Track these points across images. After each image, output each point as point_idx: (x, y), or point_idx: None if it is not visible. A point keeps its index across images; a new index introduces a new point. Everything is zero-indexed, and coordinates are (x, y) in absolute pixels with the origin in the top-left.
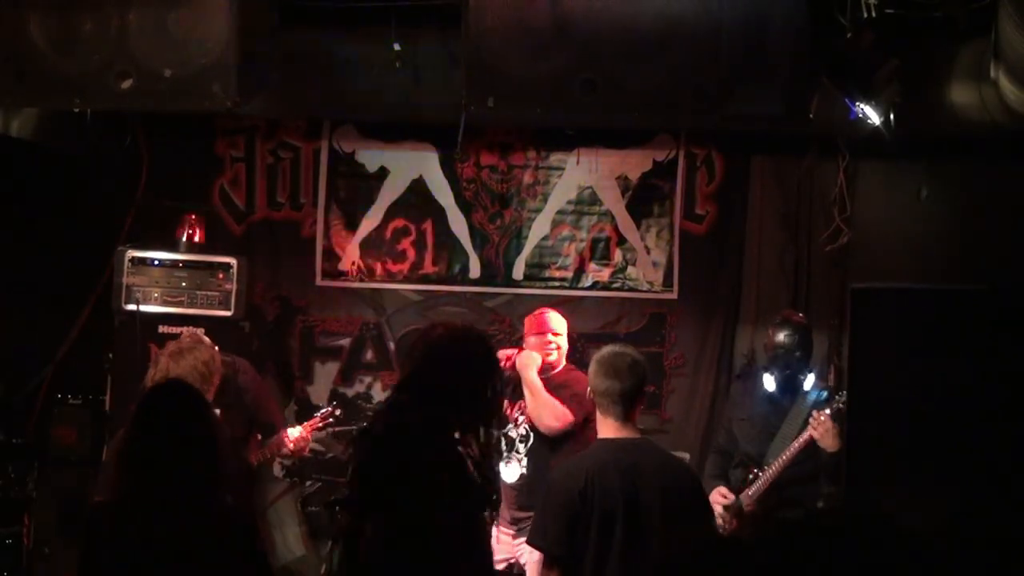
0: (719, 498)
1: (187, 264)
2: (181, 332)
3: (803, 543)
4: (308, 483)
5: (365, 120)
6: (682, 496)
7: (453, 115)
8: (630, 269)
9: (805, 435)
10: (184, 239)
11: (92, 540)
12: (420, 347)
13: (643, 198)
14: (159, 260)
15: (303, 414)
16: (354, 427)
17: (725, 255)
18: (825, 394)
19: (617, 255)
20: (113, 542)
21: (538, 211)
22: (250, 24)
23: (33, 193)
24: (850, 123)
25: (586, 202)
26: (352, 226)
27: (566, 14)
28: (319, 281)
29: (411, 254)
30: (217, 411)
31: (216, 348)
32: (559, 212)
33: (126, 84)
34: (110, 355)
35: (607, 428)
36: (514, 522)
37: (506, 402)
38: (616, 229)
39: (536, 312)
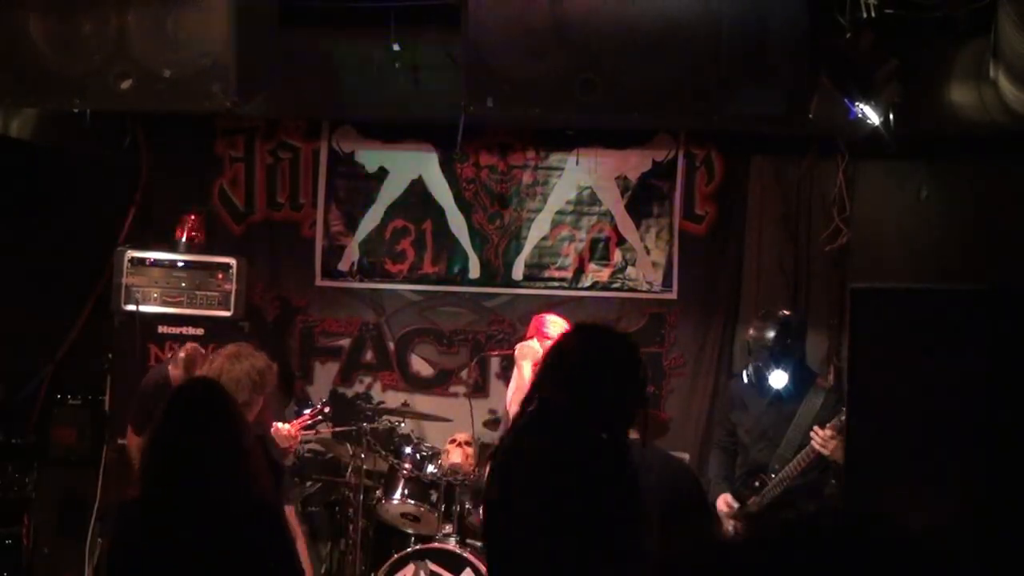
0: (724, 507)
1: (187, 264)
2: (180, 333)
3: (803, 544)
4: (308, 483)
5: (365, 120)
6: (682, 496)
7: (452, 115)
8: (629, 269)
9: (810, 451)
10: (184, 239)
11: (122, 536)
12: (566, 357)
13: (642, 198)
14: (159, 260)
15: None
16: (354, 427)
17: (725, 255)
18: (792, 388)
19: (616, 255)
20: (143, 538)
21: (537, 211)
22: (250, 24)
23: (33, 193)
24: (850, 123)
25: (585, 202)
26: (352, 226)
27: (566, 14)
28: (319, 281)
29: (411, 254)
30: None
31: (275, 365)
32: (558, 212)
33: (126, 84)
34: (110, 355)
35: None
36: None
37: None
38: (615, 229)
39: (536, 315)
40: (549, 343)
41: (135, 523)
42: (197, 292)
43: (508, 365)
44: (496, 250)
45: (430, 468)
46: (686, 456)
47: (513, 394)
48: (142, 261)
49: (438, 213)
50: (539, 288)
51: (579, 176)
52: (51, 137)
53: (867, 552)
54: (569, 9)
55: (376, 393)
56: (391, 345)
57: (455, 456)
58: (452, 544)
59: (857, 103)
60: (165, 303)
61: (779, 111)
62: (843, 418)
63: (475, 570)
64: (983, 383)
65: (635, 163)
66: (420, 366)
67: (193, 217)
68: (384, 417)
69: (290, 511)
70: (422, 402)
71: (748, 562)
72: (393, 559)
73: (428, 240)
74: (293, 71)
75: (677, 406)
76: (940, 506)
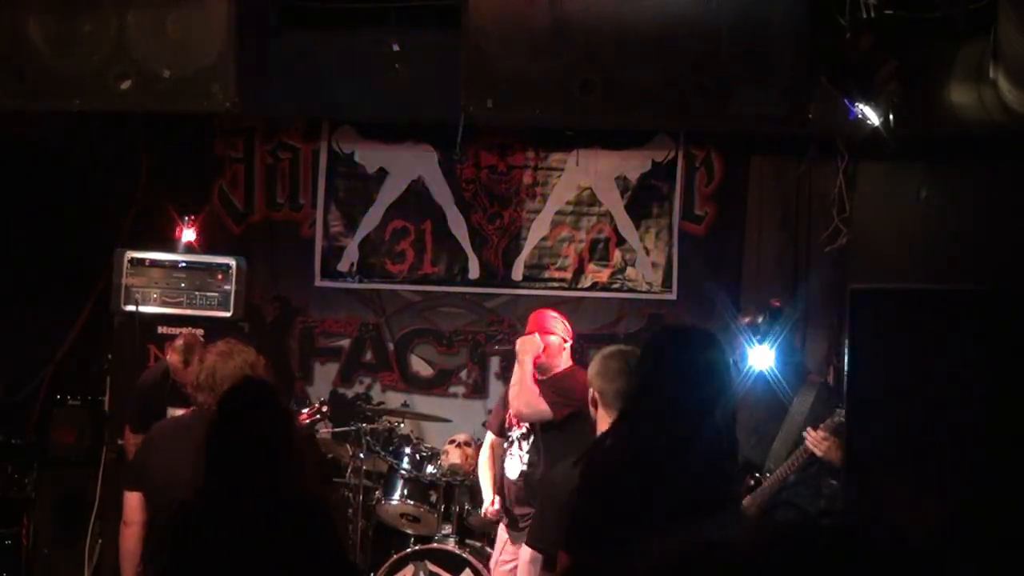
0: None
1: (186, 265)
2: (179, 333)
3: (802, 544)
4: None
5: (365, 121)
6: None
7: (452, 116)
8: (629, 270)
9: (804, 450)
10: (183, 240)
11: (178, 538)
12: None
13: (642, 199)
14: (158, 261)
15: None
16: (353, 427)
17: (725, 255)
18: (779, 373)
19: (616, 256)
20: (199, 539)
21: (537, 212)
22: (250, 24)
23: (33, 193)
24: (850, 123)
25: (585, 203)
26: (351, 227)
27: (565, 14)
28: (318, 282)
29: (410, 255)
30: None
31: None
32: (558, 213)
33: (125, 84)
34: (109, 356)
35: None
36: (513, 521)
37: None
38: (615, 230)
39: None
40: (543, 340)
41: (190, 526)
42: (197, 293)
43: (508, 365)
44: (496, 250)
45: (429, 469)
46: None
47: (513, 387)
48: (142, 261)
49: (438, 213)
50: (539, 288)
51: (579, 176)
52: (51, 137)
53: (866, 553)
54: (569, 9)
55: (376, 393)
56: (391, 345)
57: (454, 457)
58: (451, 545)
59: (857, 103)
60: (165, 303)
61: (779, 111)
62: (836, 419)
63: (474, 570)
64: (982, 383)
65: (635, 163)
66: (420, 366)
67: (192, 218)
68: (384, 417)
69: None
70: (422, 402)
71: (747, 563)
72: (392, 559)
73: (428, 240)
74: (293, 71)
75: None
76: (939, 506)
